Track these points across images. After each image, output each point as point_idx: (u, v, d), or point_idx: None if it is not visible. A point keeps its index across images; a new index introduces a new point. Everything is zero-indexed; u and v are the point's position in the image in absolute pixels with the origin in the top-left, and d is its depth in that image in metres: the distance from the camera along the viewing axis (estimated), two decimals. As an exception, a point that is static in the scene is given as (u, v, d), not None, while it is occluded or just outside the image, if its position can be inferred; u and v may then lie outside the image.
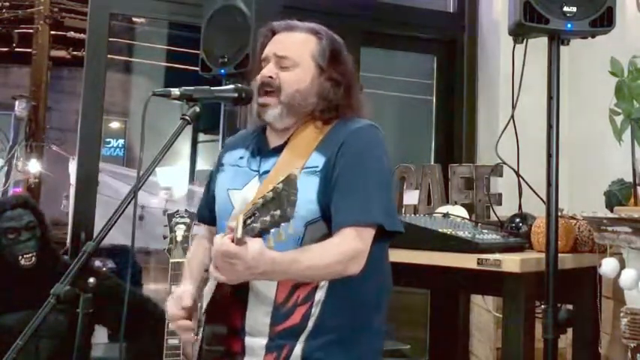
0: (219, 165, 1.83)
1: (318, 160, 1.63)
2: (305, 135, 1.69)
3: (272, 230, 1.32)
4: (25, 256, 2.70)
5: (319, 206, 1.58)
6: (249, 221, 1.34)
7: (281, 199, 1.29)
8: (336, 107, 1.69)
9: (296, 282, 1.59)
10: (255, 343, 1.61)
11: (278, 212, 1.29)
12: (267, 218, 1.30)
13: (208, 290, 1.63)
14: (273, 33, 1.75)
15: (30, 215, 2.78)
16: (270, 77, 1.67)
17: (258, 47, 1.78)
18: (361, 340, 1.66)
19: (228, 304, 1.59)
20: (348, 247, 1.55)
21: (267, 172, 1.68)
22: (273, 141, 1.74)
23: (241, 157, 1.77)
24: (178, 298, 1.66)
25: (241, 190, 1.70)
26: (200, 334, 1.63)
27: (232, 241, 1.38)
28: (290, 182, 1.30)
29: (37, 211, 2.84)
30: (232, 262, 1.39)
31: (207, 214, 1.87)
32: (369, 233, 1.58)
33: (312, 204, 1.58)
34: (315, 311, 1.60)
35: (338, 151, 1.62)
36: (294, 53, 1.69)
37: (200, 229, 1.98)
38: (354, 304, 1.64)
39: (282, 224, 1.30)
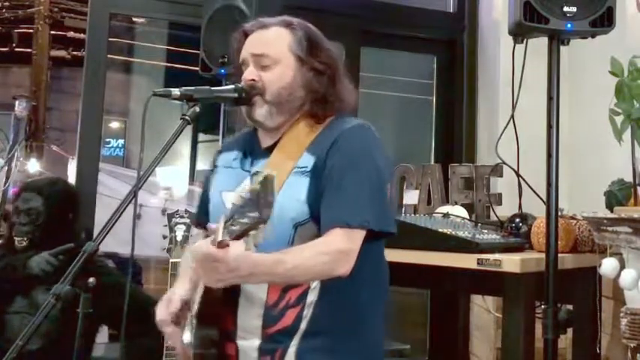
0: (213, 167, 1.82)
1: (308, 161, 1.61)
2: (296, 134, 1.67)
3: (251, 232, 1.31)
4: (17, 238, 2.85)
5: (309, 207, 1.56)
6: (228, 223, 1.32)
7: (258, 201, 1.28)
8: (325, 99, 1.67)
9: (286, 284, 1.57)
10: (248, 345, 1.60)
11: (255, 214, 1.28)
12: (245, 220, 1.30)
13: (196, 297, 1.61)
14: (246, 35, 1.72)
15: (38, 201, 2.87)
16: (253, 80, 1.65)
17: (233, 53, 1.75)
18: (356, 341, 1.63)
19: (219, 306, 1.58)
20: (335, 248, 1.52)
21: (258, 172, 1.64)
22: (265, 141, 1.72)
23: (234, 159, 1.76)
24: (168, 301, 1.64)
25: (234, 191, 1.67)
26: (191, 338, 1.62)
27: (212, 244, 1.36)
28: (266, 183, 1.29)
29: (50, 199, 2.90)
30: (214, 266, 1.37)
31: (203, 217, 1.84)
32: (359, 234, 1.55)
33: (301, 205, 1.57)
34: (308, 313, 1.58)
35: (328, 150, 1.60)
36: (271, 50, 1.66)
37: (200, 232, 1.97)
38: (347, 305, 1.62)
39: (260, 226, 1.30)
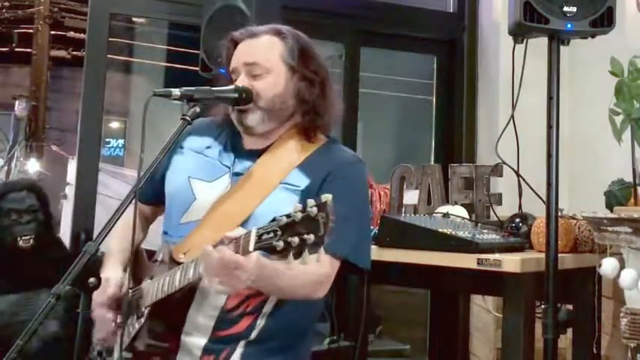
0: (177, 147, 1.77)
1: (300, 180, 1.61)
2: (287, 148, 1.67)
3: (294, 251, 1.26)
4: (23, 237, 2.77)
5: None
6: (266, 237, 1.29)
7: (316, 224, 1.24)
8: (315, 109, 1.67)
9: (250, 292, 1.57)
10: (193, 342, 1.60)
11: (312, 237, 1.24)
12: (295, 239, 1.25)
13: (156, 288, 1.60)
14: (235, 43, 1.71)
15: (33, 199, 2.84)
16: None
17: (223, 61, 1.75)
18: (298, 345, 1.70)
19: (172, 298, 1.57)
20: (323, 272, 1.57)
21: (239, 173, 1.66)
22: (250, 142, 1.71)
23: (209, 147, 1.74)
24: (105, 282, 1.59)
25: (209, 183, 1.67)
26: (137, 325, 1.63)
27: (236, 252, 1.35)
28: (327, 207, 1.25)
29: (41, 196, 2.89)
30: (235, 272, 1.37)
31: (145, 190, 1.77)
32: (338, 264, 1.61)
33: None
34: (261, 323, 1.61)
35: (325, 177, 1.61)
36: (262, 59, 1.65)
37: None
38: (297, 318, 1.66)
39: (310, 249, 1.26)
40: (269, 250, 1.29)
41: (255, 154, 1.68)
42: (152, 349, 1.61)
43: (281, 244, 1.26)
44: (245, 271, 1.36)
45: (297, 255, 1.27)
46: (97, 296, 1.59)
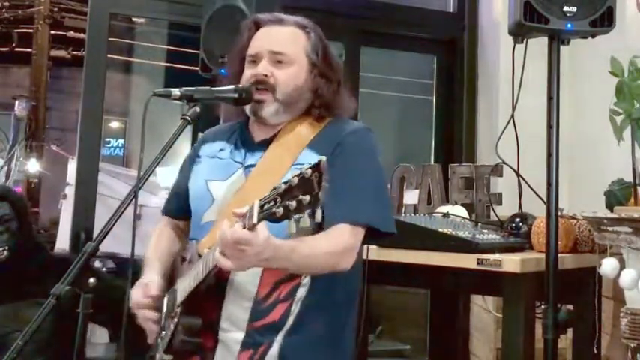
0: (195, 157, 1.81)
1: (311, 158, 1.59)
2: (295, 131, 1.68)
3: (295, 216, 1.28)
4: None
5: None
6: (267, 206, 1.30)
7: (311, 185, 1.26)
8: (329, 105, 1.69)
9: (279, 278, 1.58)
10: (230, 337, 1.60)
11: (307, 198, 1.25)
12: (293, 203, 1.26)
13: (184, 285, 1.61)
14: (257, 26, 1.72)
15: (7, 208, 2.73)
16: (266, 75, 1.65)
17: (242, 40, 1.74)
18: (337, 339, 1.67)
19: (205, 296, 1.57)
20: (344, 241, 1.55)
21: (252, 165, 1.66)
22: (259, 135, 1.72)
23: (222, 150, 1.75)
24: (145, 285, 1.64)
25: (224, 181, 1.68)
26: (172, 325, 1.62)
27: (243, 228, 1.35)
28: (320, 168, 1.27)
29: (16, 205, 2.77)
30: (243, 249, 1.37)
31: (174, 206, 1.85)
32: (362, 233, 1.59)
33: None
34: (295, 309, 1.59)
35: (333, 151, 1.61)
36: (288, 49, 1.67)
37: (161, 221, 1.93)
38: (333, 303, 1.64)
39: (309, 210, 1.27)
40: (270, 217, 1.30)
41: (264, 144, 1.69)
42: (190, 347, 1.61)
43: (280, 210, 1.28)
44: (252, 247, 1.36)
45: (297, 216, 1.27)
46: (138, 297, 1.63)
